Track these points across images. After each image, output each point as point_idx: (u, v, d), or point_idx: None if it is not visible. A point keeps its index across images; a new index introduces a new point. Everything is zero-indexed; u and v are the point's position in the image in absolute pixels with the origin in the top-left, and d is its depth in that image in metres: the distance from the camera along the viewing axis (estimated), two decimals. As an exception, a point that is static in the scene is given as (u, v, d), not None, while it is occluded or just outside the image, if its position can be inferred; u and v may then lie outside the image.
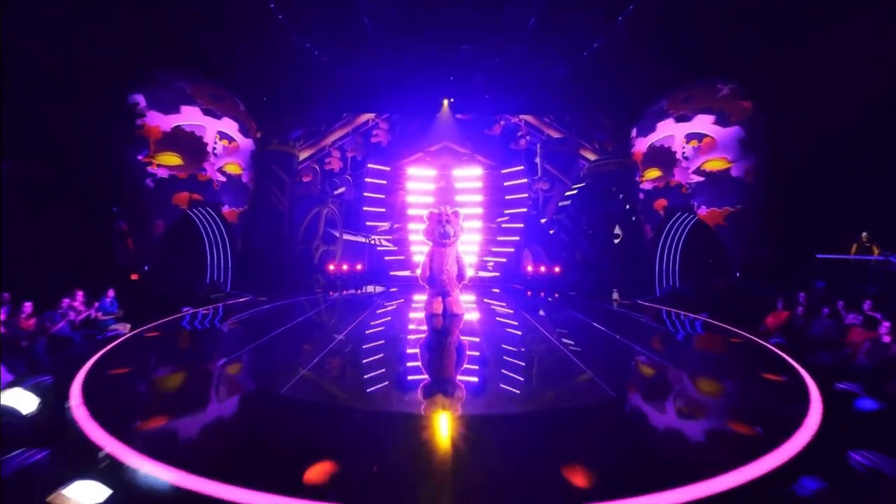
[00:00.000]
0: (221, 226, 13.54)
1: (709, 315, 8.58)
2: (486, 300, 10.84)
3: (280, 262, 14.61)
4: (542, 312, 8.81)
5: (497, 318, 8.09)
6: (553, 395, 4.66)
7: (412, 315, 8.50)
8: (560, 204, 15.77)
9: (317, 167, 16.37)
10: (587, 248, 15.35)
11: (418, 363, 5.73)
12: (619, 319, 8.76)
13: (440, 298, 7.04)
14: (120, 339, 5.77)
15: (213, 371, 5.10)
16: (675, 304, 9.89)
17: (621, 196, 15.37)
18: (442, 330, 6.58)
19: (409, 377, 5.14)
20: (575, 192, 15.78)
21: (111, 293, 6.11)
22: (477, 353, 5.97)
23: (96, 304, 5.74)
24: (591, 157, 16.08)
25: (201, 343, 6.46)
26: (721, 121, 11.58)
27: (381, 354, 5.87)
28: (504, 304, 10.53)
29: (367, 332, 6.95)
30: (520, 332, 7.08)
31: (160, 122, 11.31)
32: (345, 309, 9.72)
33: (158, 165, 11.41)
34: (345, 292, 11.55)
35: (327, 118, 16.19)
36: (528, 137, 16.20)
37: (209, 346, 6.22)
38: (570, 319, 8.42)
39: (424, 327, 6.95)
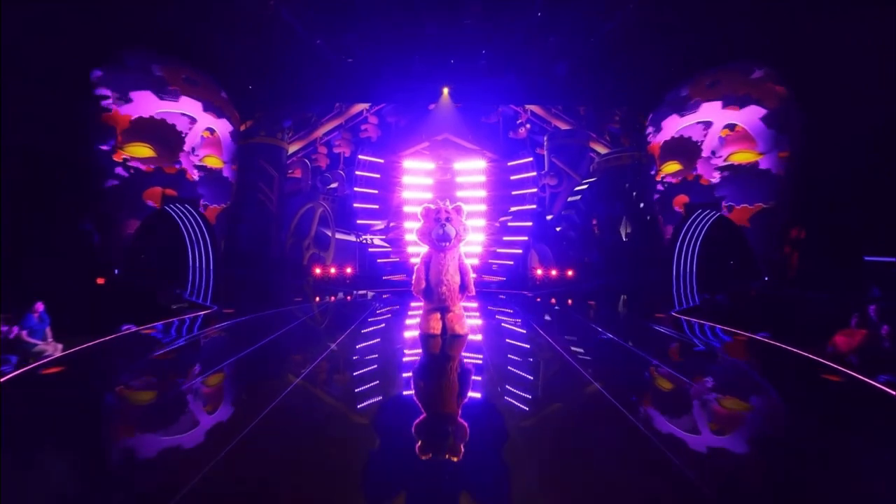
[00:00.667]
0: (202, 225, 12.45)
1: (770, 335, 6.50)
2: (490, 308, 9.68)
3: (267, 265, 13.51)
4: (549, 324, 7.57)
5: (508, 339, 6.56)
6: (617, 488, 2.72)
7: (406, 329, 7.04)
8: (569, 200, 14.68)
9: (307, 161, 15.30)
10: (597, 250, 14.26)
11: (410, 400, 4.08)
12: (666, 344, 6.47)
13: (438, 315, 5.59)
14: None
15: (91, 442, 3.21)
16: (714, 317, 8.08)
17: (627, 187, 14.25)
18: (440, 356, 5.19)
19: (388, 454, 3.13)
20: (584, 188, 14.68)
21: (40, 307, 5.03)
22: (489, 400, 4.05)
23: (2, 326, 4.62)
24: (602, 150, 14.99)
25: (103, 390, 4.25)
26: (750, 108, 10.46)
27: (354, 402, 3.97)
28: (514, 315, 9.10)
29: (341, 364, 5.06)
30: (542, 362, 5.38)
31: (128, 108, 10.20)
32: (324, 324, 8.07)
33: (127, 157, 10.30)
34: (332, 298, 10.44)
35: (319, 108, 15.11)
36: (528, 126, 15.09)
37: (109, 400, 4.09)
38: (604, 343, 6.37)
39: (418, 352, 5.47)
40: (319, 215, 14.49)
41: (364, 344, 6.23)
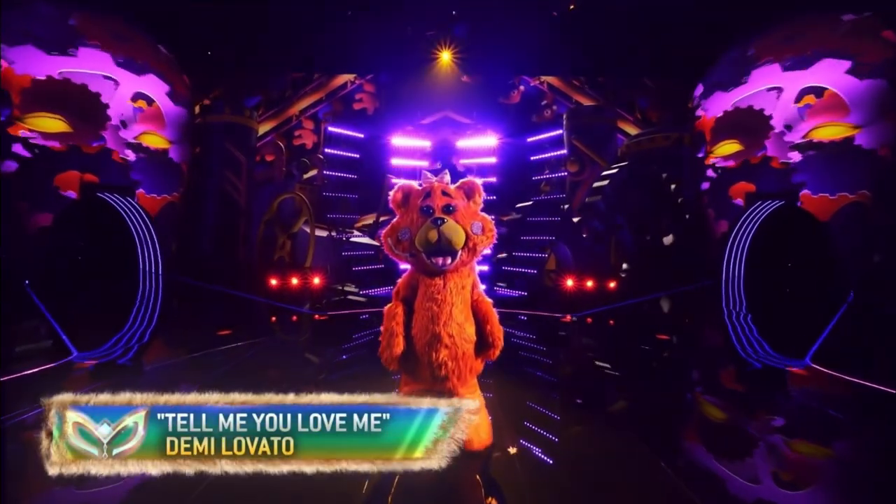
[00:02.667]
0: (147, 221, 10.00)
1: None
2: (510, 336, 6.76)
3: (230, 273, 10.95)
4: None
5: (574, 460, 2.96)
6: None
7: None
8: (592, 188, 12.18)
9: (281, 144, 12.89)
10: (627, 253, 11.73)
11: None
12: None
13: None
14: None
15: None
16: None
17: (665, 177, 11.68)
18: None
19: None
20: (610, 175, 12.17)
21: None
22: None
23: None
24: (634, 130, 12.55)
25: None
26: (844, 66, 8.00)
27: None
28: (543, 353, 5.91)
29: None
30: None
31: (27, 67, 7.77)
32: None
33: (29, 132, 7.88)
34: (294, 318, 8.00)
35: (294, 79, 12.72)
36: (521, 88, 12.62)
37: None
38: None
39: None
40: (290, 204, 11.91)
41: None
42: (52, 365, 4.66)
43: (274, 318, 7.86)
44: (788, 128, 8.52)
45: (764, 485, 2.68)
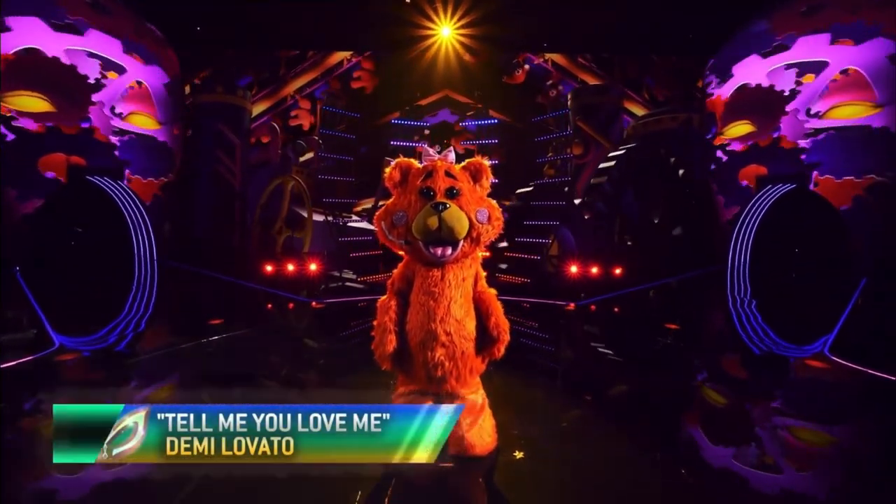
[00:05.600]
0: (139, 205, 9.67)
1: None
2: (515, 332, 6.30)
3: (224, 259, 10.61)
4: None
5: None
6: None
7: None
8: (596, 176, 11.82)
9: (276, 125, 12.49)
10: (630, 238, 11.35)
11: None
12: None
13: None
14: None
15: None
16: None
17: (663, 153, 11.18)
18: None
19: None
20: (615, 158, 11.77)
21: None
22: None
23: None
24: (641, 111, 12.14)
25: None
26: (865, 39, 7.58)
27: None
28: (553, 352, 5.57)
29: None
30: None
31: (3, 42, 7.38)
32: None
33: (12, 112, 7.53)
34: (290, 306, 7.73)
35: (288, 58, 12.26)
36: (527, 67, 12.17)
37: None
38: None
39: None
40: (290, 190, 11.54)
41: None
42: (41, 354, 4.50)
43: (270, 305, 7.64)
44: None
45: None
